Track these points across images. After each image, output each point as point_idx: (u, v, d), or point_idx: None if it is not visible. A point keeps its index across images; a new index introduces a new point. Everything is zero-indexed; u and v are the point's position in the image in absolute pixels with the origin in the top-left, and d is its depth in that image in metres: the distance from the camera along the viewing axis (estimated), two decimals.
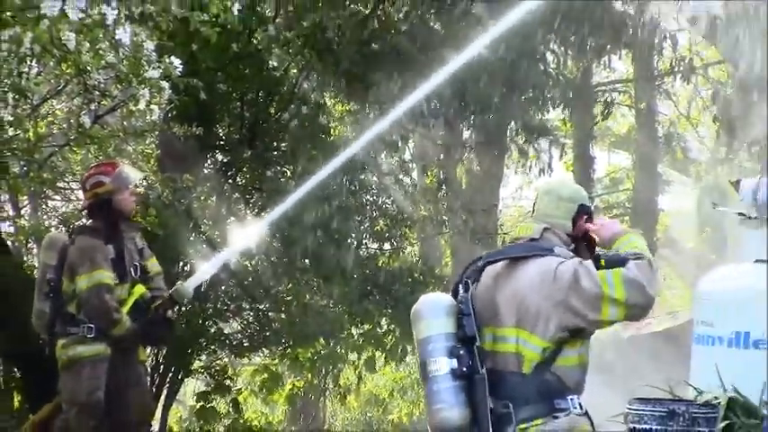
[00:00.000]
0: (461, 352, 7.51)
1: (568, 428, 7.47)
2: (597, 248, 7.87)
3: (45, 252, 12.24)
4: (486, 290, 7.71)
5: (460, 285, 7.69)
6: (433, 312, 7.62)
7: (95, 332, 11.82)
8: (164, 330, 13.18)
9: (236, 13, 11.64)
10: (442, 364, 7.52)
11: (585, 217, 7.89)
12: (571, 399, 7.55)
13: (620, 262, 7.54)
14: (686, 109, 31.67)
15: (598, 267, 7.55)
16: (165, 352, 15.31)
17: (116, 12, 9.86)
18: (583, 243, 7.90)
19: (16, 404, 14.45)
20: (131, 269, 12.11)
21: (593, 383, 8.14)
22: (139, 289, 12.08)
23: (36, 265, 14.77)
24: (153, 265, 12.47)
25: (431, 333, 7.56)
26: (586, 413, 7.67)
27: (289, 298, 16.41)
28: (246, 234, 14.44)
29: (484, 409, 7.39)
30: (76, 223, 13.63)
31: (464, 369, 7.46)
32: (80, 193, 15.69)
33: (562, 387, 7.52)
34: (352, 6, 16.30)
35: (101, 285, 11.77)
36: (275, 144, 16.06)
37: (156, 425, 15.41)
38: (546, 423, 7.45)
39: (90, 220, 12.23)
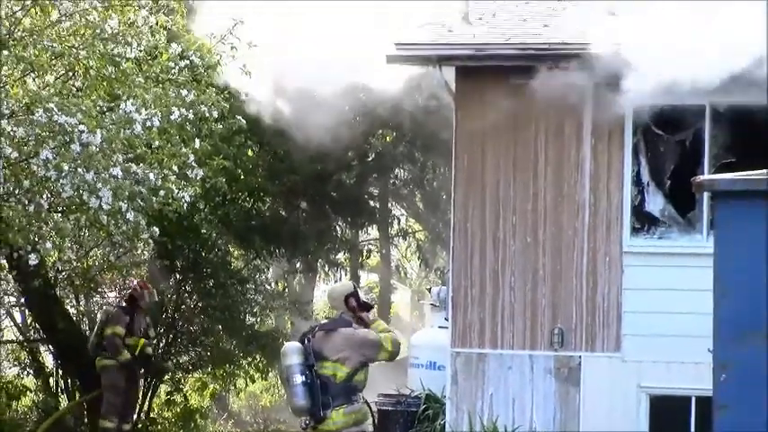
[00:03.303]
0: (307, 372, 7.69)
1: (358, 409, 7.79)
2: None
3: (100, 316, 13.12)
4: (318, 342, 7.86)
5: (305, 340, 7.87)
6: (293, 351, 7.81)
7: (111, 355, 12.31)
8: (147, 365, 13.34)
9: (185, 206, 11.76)
10: (298, 378, 7.67)
11: (350, 297, 8.01)
12: (360, 395, 7.89)
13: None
14: (405, 252, 32.00)
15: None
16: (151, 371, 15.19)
17: (126, 204, 9.88)
18: (357, 312, 8.01)
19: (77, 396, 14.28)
20: (138, 331, 12.58)
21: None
22: (141, 341, 12.59)
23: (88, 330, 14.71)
24: (151, 331, 13.11)
25: (293, 363, 7.74)
26: (366, 401, 8.02)
27: (211, 346, 16.41)
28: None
29: (317, 400, 7.62)
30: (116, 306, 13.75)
31: (308, 381, 7.65)
32: (111, 294, 15.82)
33: (356, 390, 7.81)
34: (241, 204, 16.47)
35: (114, 334, 12.24)
36: (205, 270, 16.06)
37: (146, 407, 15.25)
38: (346, 406, 7.70)
39: (124, 304, 12.88)
